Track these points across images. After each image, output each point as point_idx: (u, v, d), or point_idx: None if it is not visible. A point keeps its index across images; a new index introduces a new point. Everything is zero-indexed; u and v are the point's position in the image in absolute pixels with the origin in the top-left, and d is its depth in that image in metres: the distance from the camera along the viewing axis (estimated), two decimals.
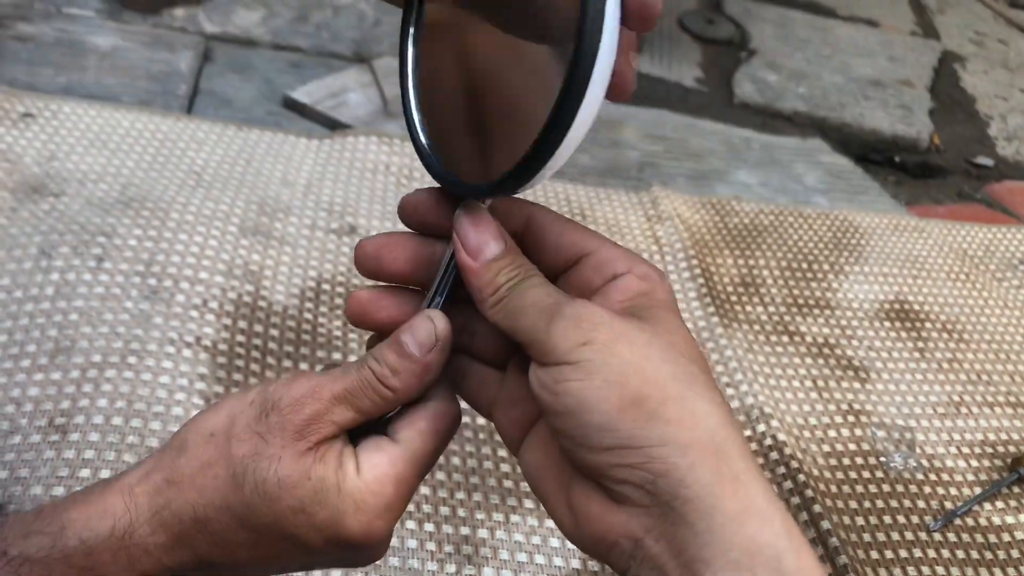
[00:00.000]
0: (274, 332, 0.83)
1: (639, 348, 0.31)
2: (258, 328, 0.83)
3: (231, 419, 0.34)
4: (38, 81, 1.14)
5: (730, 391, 0.88)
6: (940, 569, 0.75)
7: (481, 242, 0.34)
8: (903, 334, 1.02)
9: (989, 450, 0.89)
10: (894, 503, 0.81)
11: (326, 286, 0.90)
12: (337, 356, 0.82)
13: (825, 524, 0.76)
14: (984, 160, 1.57)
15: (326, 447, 0.34)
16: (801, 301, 1.04)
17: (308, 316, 0.86)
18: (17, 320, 0.77)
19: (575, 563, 0.70)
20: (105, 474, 0.66)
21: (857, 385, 0.93)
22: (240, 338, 0.81)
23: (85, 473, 0.66)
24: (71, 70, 1.18)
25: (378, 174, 1.08)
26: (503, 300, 0.33)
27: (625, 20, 0.30)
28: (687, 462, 0.29)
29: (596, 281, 0.35)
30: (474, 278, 0.34)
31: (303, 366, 0.80)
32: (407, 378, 0.34)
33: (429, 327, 0.35)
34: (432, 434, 0.36)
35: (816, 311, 1.03)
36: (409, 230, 0.38)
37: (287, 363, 0.80)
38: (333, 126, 1.19)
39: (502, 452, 0.78)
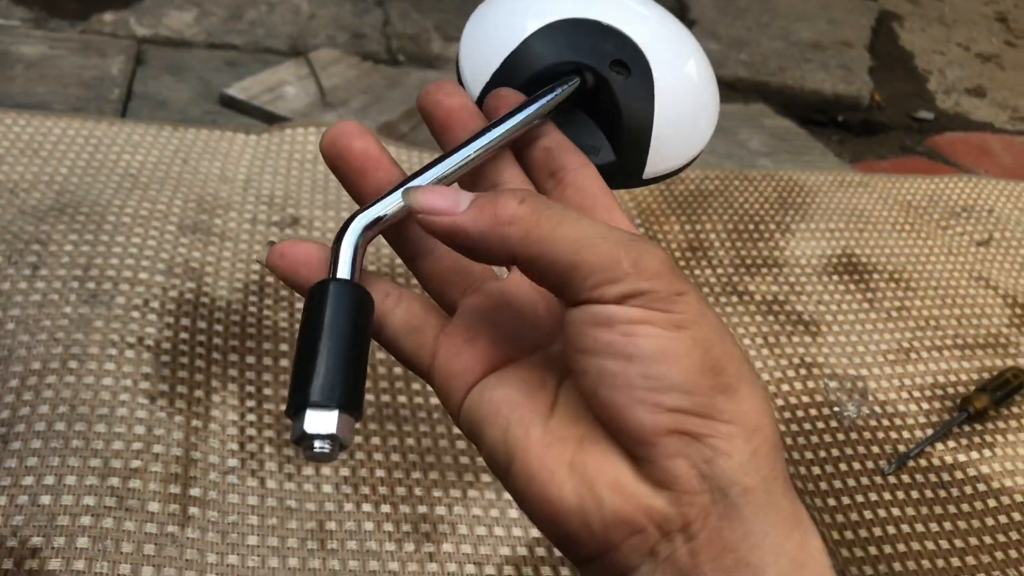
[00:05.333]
0: (218, 328, 0.82)
1: (719, 320, 0.27)
2: (202, 325, 0.82)
3: None
4: None
5: None
6: (896, 511, 0.76)
7: (451, 196, 0.28)
8: (851, 286, 1.03)
9: (939, 392, 0.90)
10: (849, 451, 0.82)
11: (270, 278, 0.89)
12: (284, 347, 0.81)
13: None
14: (925, 114, 1.59)
15: None
16: (749, 261, 1.04)
17: (253, 310, 0.85)
18: None
19: (535, 532, 0.70)
20: (49, 480, 0.65)
21: (808, 339, 0.94)
22: (184, 335, 0.80)
23: (28, 481, 0.65)
24: None
25: (319, 164, 1.07)
26: (538, 229, 0.26)
27: None
28: (751, 448, 0.26)
29: None
30: (471, 226, 0.27)
31: (249, 360, 0.80)
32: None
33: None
34: None
35: (764, 270, 1.03)
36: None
37: (233, 357, 0.79)
38: (271, 120, 1.18)
39: (457, 429, 0.77)
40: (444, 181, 0.30)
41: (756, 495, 0.25)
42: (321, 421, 0.25)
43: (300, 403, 0.25)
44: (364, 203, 0.30)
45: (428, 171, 0.30)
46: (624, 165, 0.35)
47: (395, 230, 0.31)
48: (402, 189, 0.29)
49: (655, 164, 0.35)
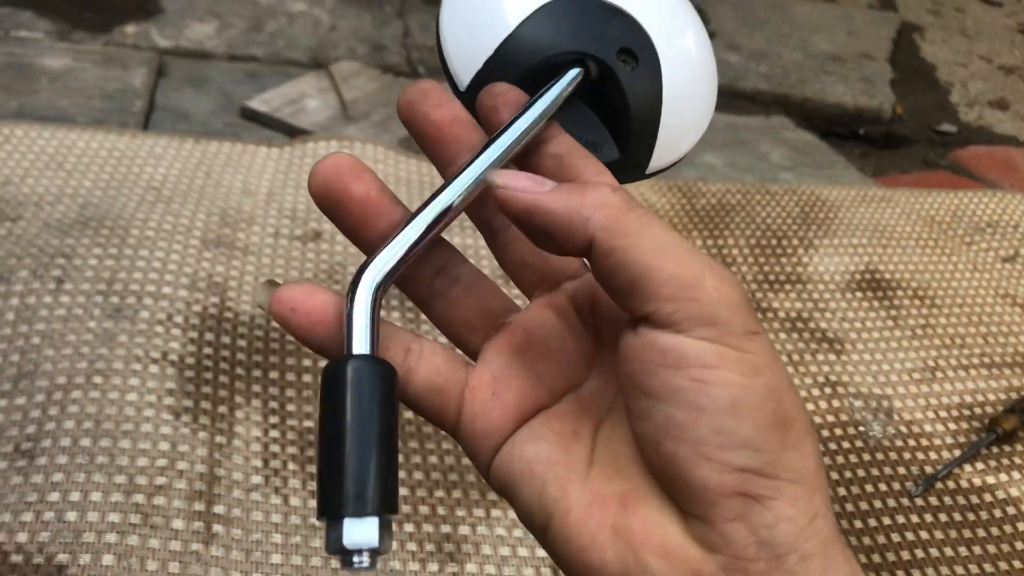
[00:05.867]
0: (242, 343, 0.82)
1: (784, 366, 0.25)
2: (225, 340, 0.82)
3: None
4: None
5: None
6: (924, 534, 0.75)
7: (536, 178, 0.26)
8: (875, 303, 1.02)
9: (966, 412, 0.89)
10: (875, 471, 0.81)
11: None
12: (307, 363, 0.81)
13: None
14: (947, 127, 1.57)
15: None
16: (772, 277, 1.04)
17: (276, 325, 0.85)
18: None
19: None
20: (75, 497, 0.65)
21: (832, 357, 0.93)
22: (207, 350, 0.80)
23: (54, 497, 0.65)
24: (23, 93, 1.16)
25: None
26: (627, 222, 0.24)
27: None
28: (813, 510, 0.24)
29: None
30: (554, 202, 0.25)
31: (272, 375, 0.79)
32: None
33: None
34: None
35: (788, 286, 1.03)
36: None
37: (256, 372, 0.79)
38: (292, 133, 1.18)
39: None
40: (454, 209, 0.27)
41: (815, 561, 0.24)
42: (361, 532, 0.23)
43: (334, 509, 0.23)
44: (365, 248, 0.28)
45: (433, 201, 0.27)
46: (628, 161, 0.32)
47: (406, 273, 0.28)
48: (480, 175, 0.27)
49: (660, 158, 0.32)
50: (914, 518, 0.77)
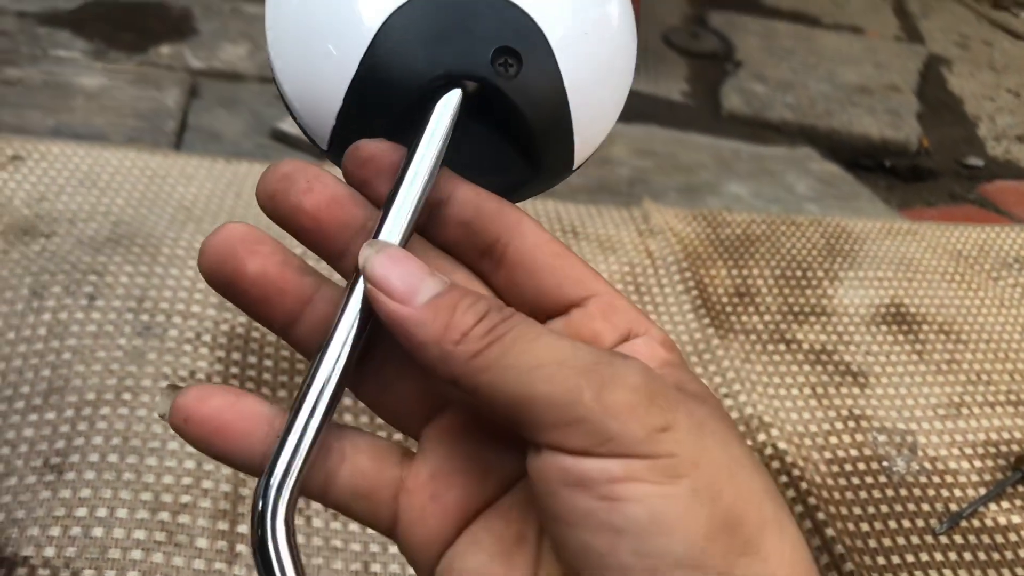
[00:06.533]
0: (268, 363, 0.83)
1: (725, 446, 0.21)
2: (252, 359, 0.83)
3: None
4: (26, 124, 1.15)
5: (728, 402, 0.87)
6: (948, 572, 0.75)
7: (412, 281, 0.22)
8: (900, 337, 1.02)
9: (992, 450, 0.88)
10: (898, 507, 0.80)
11: None
12: None
13: (829, 532, 0.75)
14: (974, 161, 1.57)
15: None
16: (797, 309, 1.03)
17: None
18: (10, 362, 0.77)
19: None
20: (102, 513, 0.66)
21: (856, 390, 0.93)
22: (234, 370, 0.81)
23: (82, 512, 0.66)
24: (59, 112, 1.18)
25: None
26: (487, 352, 0.21)
27: None
28: None
29: (607, 337, 0.24)
30: (416, 328, 0.22)
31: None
32: None
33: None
34: None
35: (812, 318, 1.02)
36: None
37: (282, 393, 0.80)
38: (321, 155, 1.20)
39: None
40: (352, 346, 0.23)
41: None
42: None
43: None
44: (273, 329, 0.25)
45: (332, 341, 0.23)
46: (547, 171, 0.27)
47: None
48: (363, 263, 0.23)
49: (584, 150, 0.27)
50: (938, 556, 0.76)
